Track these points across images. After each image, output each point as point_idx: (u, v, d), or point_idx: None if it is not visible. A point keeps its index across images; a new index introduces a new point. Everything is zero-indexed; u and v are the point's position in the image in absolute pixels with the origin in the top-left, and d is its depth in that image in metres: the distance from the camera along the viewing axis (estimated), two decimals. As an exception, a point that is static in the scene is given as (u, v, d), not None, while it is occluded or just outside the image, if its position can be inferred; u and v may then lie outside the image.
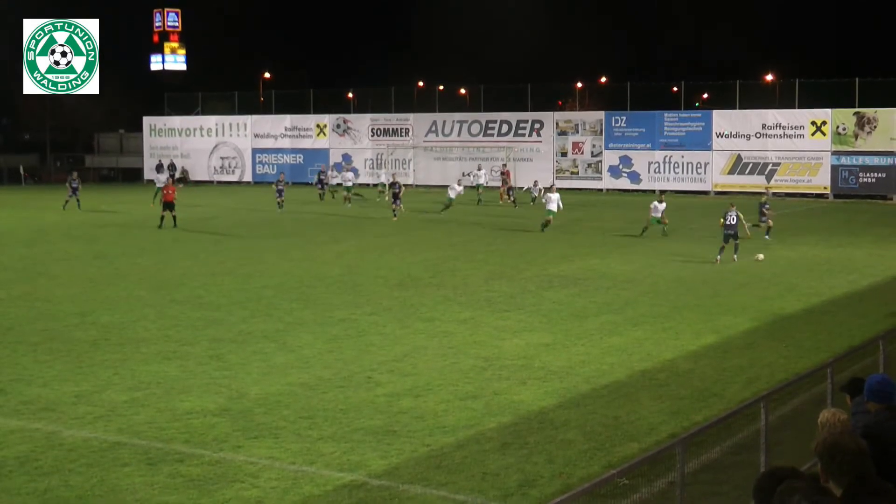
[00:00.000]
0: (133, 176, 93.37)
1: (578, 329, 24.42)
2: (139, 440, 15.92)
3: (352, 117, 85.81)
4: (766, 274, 33.42)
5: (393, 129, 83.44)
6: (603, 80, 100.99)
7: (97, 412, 17.46)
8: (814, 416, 9.87)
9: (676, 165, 73.13)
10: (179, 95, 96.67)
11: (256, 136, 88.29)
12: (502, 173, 70.15)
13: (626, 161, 74.66)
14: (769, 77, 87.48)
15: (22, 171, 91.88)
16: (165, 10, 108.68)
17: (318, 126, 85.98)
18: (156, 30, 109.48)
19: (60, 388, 19.06)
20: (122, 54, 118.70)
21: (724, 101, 75.62)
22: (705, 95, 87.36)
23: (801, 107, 70.96)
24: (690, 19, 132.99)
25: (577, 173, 75.51)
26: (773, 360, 21.14)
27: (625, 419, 16.94)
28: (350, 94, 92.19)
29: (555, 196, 47.43)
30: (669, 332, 24.15)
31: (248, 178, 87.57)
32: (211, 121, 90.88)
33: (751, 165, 70.82)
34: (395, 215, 53.11)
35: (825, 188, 68.45)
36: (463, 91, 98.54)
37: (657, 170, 73.44)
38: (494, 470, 14.45)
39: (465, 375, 19.81)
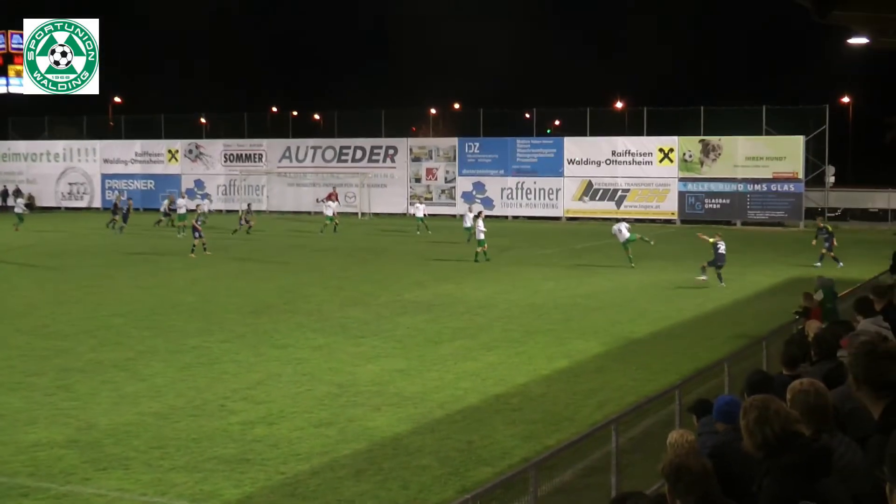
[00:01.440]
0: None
1: (432, 355, 24.49)
2: (-18, 474, 15.52)
3: (204, 142, 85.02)
4: (616, 299, 33.95)
5: (246, 154, 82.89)
6: (456, 106, 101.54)
7: (-62, 446, 16.98)
8: (663, 437, 10.08)
9: (529, 191, 73.92)
10: (25, 119, 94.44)
11: (106, 161, 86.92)
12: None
13: (479, 187, 75.22)
14: (619, 105, 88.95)
15: None
16: (10, 31, 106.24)
17: (169, 151, 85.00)
18: (0, 52, 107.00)
19: None
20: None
21: (576, 128, 76.60)
22: (557, 122, 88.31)
23: (649, 134, 72.35)
24: (541, 48, 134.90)
25: (431, 199, 75.72)
26: (623, 383, 21.46)
27: (479, 444, 17.02)
28: (203, 120, 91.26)
29: (481, 223, 45.35)
30: (522, 356, 24.35)
31: (97, 203, 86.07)
32: (59, 146, 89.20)
33: (601, 191, 71.94)
34: (192, 251, 47.22)
35: (673, 213, 69.88)
36: (317, 116, 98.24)
37: (510, 196, 74.19)
38: (349, 497, 14.40)
39: (320, 402, 19.73)
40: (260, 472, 15.52)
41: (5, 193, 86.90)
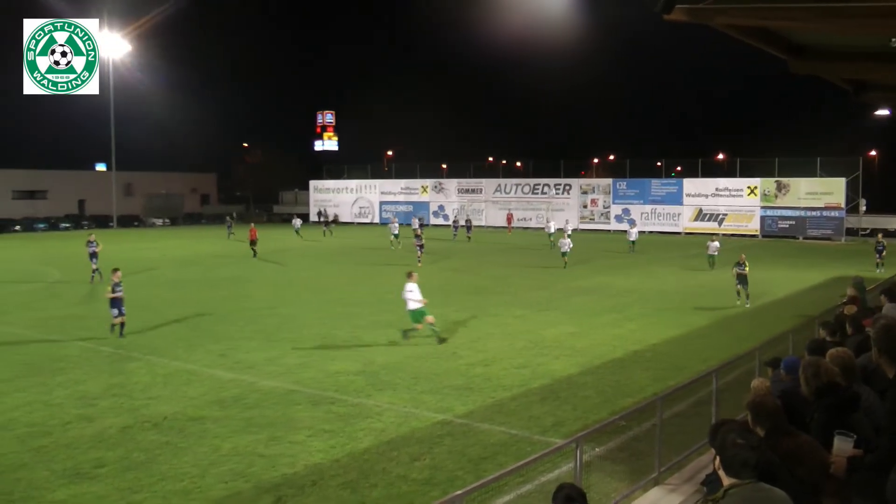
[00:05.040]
0: (303, 219, 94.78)
1: (593, 323, 24.37)
2: (306, 389, 16.21)
3: (444, 181, 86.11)
4: (718, 287, 33.04)
5: (471, 188, 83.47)
6: (611, 157, 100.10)
7: (280, 370, 17.81)
8: (747, 383, 9.90)
9: (659, 215, 72.47)
10: (332, 166, 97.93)
11: (382, 192, 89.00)
12: (508, 216, 76.96)
13: (626, 211, 74.04)
14: (720, 156, 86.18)
15: (234, 216, 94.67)
16: (324, 112, 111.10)
17: (422, 187, 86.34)
18: (318, 124, 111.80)
19: (257, 355, 19.47)
20: (298, 140, 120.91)
21: (691, 172, 74.68)
22: (679, 168, 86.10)
23: (741, 176, 70.00)
24: (665, 117, 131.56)
25: (594, 219, 75.04)
26: (722, 344, 20.95)
27: (623, 382, 16.93)
28: (444, 165, 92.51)
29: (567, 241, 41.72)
30: (654, 326, 24.01)
31: (376, 220, 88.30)
32: (353, 183, 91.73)
33: (708, 215, 69.99)
34: (419, 261, 42.32)
35: (756, 231, 67.46)
36: (519, 164, 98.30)
37: (647, 217, 72.74)
38: (537, 414, 14.53)
39: (518, 352, 19.90)
40: (478, 396, 15.78)
41: (320, 213, 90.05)
